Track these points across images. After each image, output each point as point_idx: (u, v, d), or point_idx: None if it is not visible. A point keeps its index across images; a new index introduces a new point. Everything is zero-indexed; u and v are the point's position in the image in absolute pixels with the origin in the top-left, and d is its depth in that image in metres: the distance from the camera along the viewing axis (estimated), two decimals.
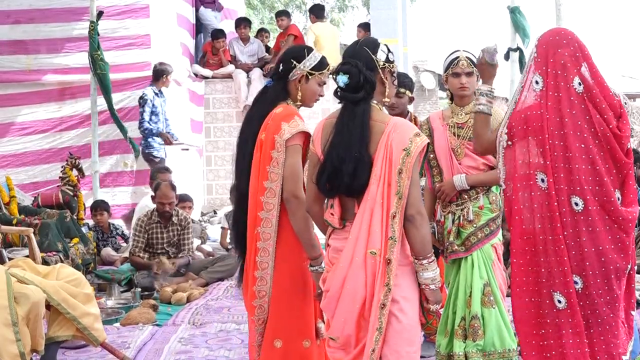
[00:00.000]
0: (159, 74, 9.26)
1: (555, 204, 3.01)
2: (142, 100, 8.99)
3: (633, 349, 4.13)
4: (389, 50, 3.05)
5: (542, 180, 3.05)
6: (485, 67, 3.55)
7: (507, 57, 7.12)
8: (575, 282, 3.03)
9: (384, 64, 3.02)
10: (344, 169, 2.90)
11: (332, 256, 3.05)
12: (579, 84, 3.04)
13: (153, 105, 9.04)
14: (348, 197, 2.98)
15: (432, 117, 4.32)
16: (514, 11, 6.82)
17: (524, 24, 6.61)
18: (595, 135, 3.02)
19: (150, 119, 9.01)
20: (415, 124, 4.62)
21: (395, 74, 3.08)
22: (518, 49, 6.63)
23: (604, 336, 3.05)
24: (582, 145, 3.00)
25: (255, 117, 3.57)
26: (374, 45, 3.05)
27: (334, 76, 2.99)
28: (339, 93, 2.99)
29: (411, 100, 4.76)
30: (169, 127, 9.27)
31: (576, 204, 3.00)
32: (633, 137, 18.55)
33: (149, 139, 9.05)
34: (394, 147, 2.89)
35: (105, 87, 8.51)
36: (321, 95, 3.57)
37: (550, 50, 3.07)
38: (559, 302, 3.05)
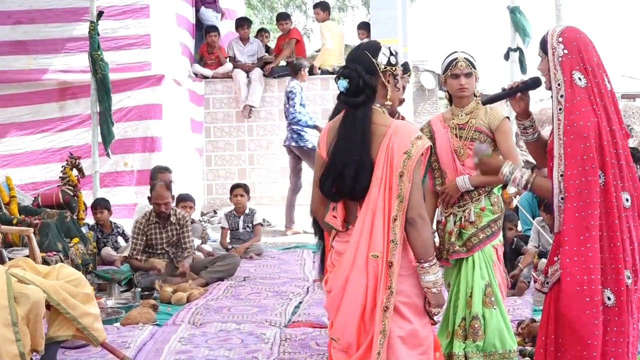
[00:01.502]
0: (297, 68, 9.36)
1: (613, 200, 3.01)
2: (292, 94, 9.07)
3: None
4: (391, 53, 3.04)
5: (600, 176, 3.03)
6: (487, 161, 3.57)
7: (507, 57, 7.13)
8: (628, 277, 3.04)
9: (385, 67, 3.01)
10: (346, 173, 2.92)
11: (335, 258, 3.06)
12: (608, 82, 3.07)
13: (301, 97, 9.07)
14: (351, 200, 3.00)
15: (433, 120, 4.33)
16: (513, 11, 6.83)
17: (523, 23, 6.62)
18: (623, 132, 3.08)
19: (299, 112, 9.04)
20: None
21: (398, 77, 3.06)
22: (518, 48, 6.64)
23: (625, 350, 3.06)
24: (621, 142, 3.04)
25: None
26: (375, 48, 3.04)
27: (335, 81, 3.00)
28: (340, 98, 3.00)
29: (401, 101, 4.69)
30: (312, 119, 9.29)
31: (627, 200, 3.02)
32: (633, 137, 18.55)
33: (302, 132, 9.06)
34: (395, 150, 2.89)
35: (106, 89, 8.42)
36: None
37: (581, 47, 3.06)
38: (609, 299, 3.05)
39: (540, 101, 23.37)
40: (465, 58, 4.14)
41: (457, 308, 4.13)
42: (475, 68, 4.14)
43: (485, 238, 4.09)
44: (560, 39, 3.08)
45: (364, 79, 2.94)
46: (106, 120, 8.49)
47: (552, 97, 3.12)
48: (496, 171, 3.44)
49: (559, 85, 3.06)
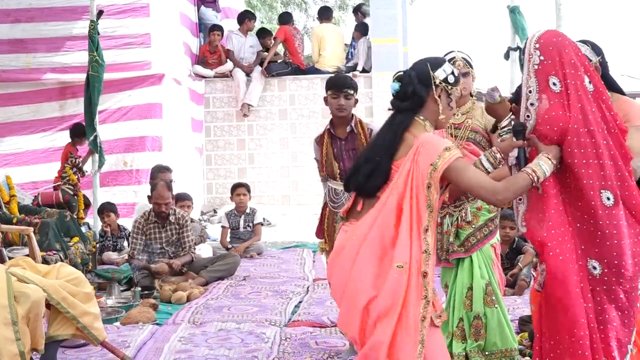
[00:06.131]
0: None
1: (591, 200, 3.01)
2: None
3: None
4: (452, 73, 3.04)
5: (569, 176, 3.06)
6: (494, 108, 3.57)
7: (507, 56, 7.12)
8: (594, 267, 3.05)
9: (441, 83, 3.00)
10: (361, 169, 2.98)
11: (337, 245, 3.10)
12: (589, 82, 3.07)
13: None
14: (357, 196, 3.05)
15: None
16: (513, 11, 6.82)
17: (523, 23, 6.61)
18: (610, 131, 3.06)
19: None
20: (361, 127, 4.61)
21: (452, 96, 3.04)
22: (518, 48, 6.63)
23: (617, 322, 3.07)
24: (604, 142, 3.03)
25: None
26: (437, 63, 3.05)
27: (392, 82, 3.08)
28: (390, 102, 3.07)
29: (355, 102, 4.70)
30: None
31: (608, 198, 3.01)
32: None
33: None
34: (420, 162, 2.88)
35: (96, 89, 7.83)
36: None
37: (558, 50, 3.06)
38: (594, 268, 3.06)
39: None
40: (462, 57, 4.14)
41: (454, 309, 4.14)
42: (472, 67, 4.14)
43: (484, 237, 4.09)
44: (537, 45, 3.05)
45: (415, 87, 2.96)
46: (89, 119, 7.91)
47: (521, 103, 3.12)
48: (500, 118, 3.52)
49: (530, 92, 3.05)
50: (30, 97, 9.75)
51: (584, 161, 3.00)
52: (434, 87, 2.99)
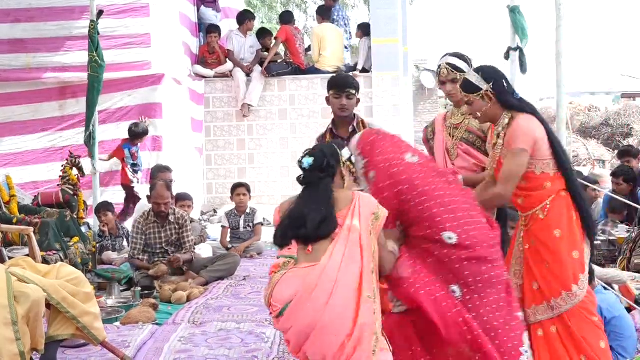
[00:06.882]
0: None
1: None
2: None
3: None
4: (352, 154, 3.45)
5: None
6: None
7: (507, 56, 7.11)
8: (454, 291, 3.32)
9: (346, 161, 3.41)
10: (308, 220, 3.22)
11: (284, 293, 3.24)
12: (412, 156, 3.42)
13: None
14: (304, 243, 3.27)
15: (437, 118, 4.37)
16: (513, 11, 6.81)
17: (523, 23, 6.60)
18: (448, 181, 3.48)
19: None
20: (363, 126, 4.64)
21: (355, 174, 3.45)
22: (518, 48, 6.61)
23: (502, 330, 3.32)
24: (442, 192, 3.41)
25: None
26: (340, 145, 3.48)
27: (299, 162, 3.35)
28: (302, 177, 3.33)
29: (357, 102, 4.73)
30: None
31: (449, 238, 3.32)
32: (632, 137, 18.56)
33: None
34: (362, 212, 3.25)
35: (95, 89, 7.93)
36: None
37: (373, 147, 3.43)
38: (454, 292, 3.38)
39: (540, 100, 23.39)
40: (448, 64, 4.15)
41: None
42: (461, 72, 4.10)
43: None
44: (358, 151, 3.49)
45: (328, 160, 3.33)
46: (88, 122, 8.01)
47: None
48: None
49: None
50: (30, 97, 9.75)
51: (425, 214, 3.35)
52: (341, 163, 3.39)
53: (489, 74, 3.66)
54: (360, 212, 3.26)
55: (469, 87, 3.67)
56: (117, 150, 9.35)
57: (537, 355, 3.60)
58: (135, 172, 9.19)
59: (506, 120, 3.63)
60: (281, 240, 3.34)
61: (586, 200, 3.75)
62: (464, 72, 4.05)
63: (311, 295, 3.16)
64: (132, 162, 9.25)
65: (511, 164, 3.54)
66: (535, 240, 3.63)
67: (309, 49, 11.92)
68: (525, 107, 3.64)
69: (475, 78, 3.65)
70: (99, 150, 8.94)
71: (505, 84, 3.65)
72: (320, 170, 3.32)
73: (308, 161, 3.32)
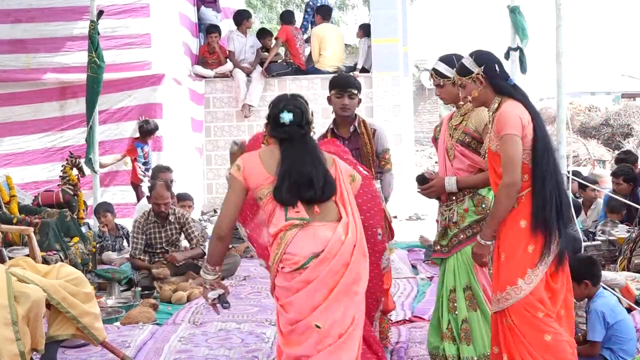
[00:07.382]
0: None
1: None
2: None
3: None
4: (312, 115, 3.55)
5: None
6: (233, 158, 3.90)
7: (507, 56, 7.11)
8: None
9: (311, 119, 3.51)
10: (315, 180, 3.33)
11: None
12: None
13: None
14: (308, 203, 3.35)
15: (444, 118, 4.40)
16: (513, 11, 6.81)
17: (523, 23, 6.60)
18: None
19: None
20: (364, 126, 4.68)
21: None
22: (518, 48, 6.61)
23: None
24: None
25: None
26: (307, 102, 3.55)
27: (276, 117, 3.41)
28: (281, 132, 3.40)
29: (359, 102, 4.74)
30: None
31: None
32: (633, 137, 18.56)
33: None
34: (343, 173, 3.48)
35: (94, 90, 7.91)
36: None
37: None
38: None
39: (540, 100, 23.38)
40: (434, 69, 4.19)
41: (443, 310, 4.16)
42: (445, 77, 4.12)
43: (466, 239, 4.08)
44: None
45: (306, 116, 3.43)
46: (89, 120, 7.96)
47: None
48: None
49: None
50: (30, 97, 9.75)
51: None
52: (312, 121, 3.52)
53: (482, 57, 3.67)
54: (342, 173, 3.46)
55: (462, 71, 3.70)
56: (130, 149, 9.34)
57: (501, 345, 3.57)
58: (146, 170, 9.18)
59: (495, 105, 3.64)
60: (291, 200, 3.35)
61: (565, 194, 3.67)
62: (449, 78, 4.09)
63: (339, 251, 3.30)
64: (143, 160, 9.24)
65: (508, 150, 3.51)
66: (502, 229, 3.59)
67: (308, 40, 11.89)
68: (515, 94, 3.63)
69: (468, 62, 3.67)
70: (100, 152, 8.96)
71: (497, 68, 3.65)
72: (299, 126, 3.40)
73: (289, 116, 3.38)
